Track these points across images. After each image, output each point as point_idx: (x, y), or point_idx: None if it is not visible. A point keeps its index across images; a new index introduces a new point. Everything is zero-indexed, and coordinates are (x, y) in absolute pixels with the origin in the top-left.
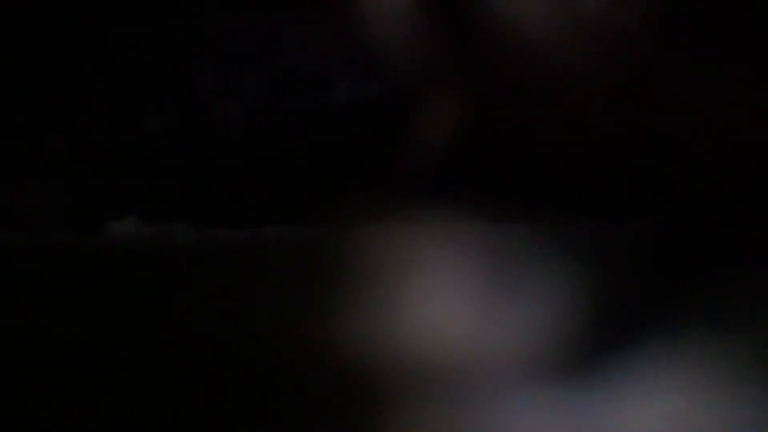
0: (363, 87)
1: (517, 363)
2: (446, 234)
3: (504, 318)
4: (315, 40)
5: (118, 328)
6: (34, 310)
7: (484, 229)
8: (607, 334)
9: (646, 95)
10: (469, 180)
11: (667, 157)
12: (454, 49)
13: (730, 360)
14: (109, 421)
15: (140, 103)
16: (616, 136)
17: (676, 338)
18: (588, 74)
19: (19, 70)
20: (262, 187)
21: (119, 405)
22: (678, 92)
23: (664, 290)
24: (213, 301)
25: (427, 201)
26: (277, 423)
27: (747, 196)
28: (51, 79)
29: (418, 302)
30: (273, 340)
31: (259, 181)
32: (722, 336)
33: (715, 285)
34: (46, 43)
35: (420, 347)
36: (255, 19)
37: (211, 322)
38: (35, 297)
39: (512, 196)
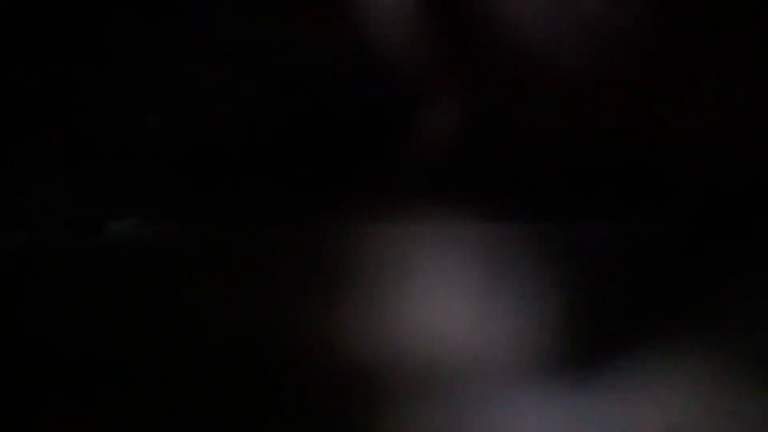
0: (363, 87)
1: (517, 363)
2: (446, 234)
3: (503, 318)
4: (316, 41)
5: (119, 328)
6: (34, 310)
7: (484, 229)
8: (607, 334)
9: (646, 95)
10: (469, 180)
11: (667, 157)
12: (455, 49)
13: (731, 359)
14: (109, 421)
15: (140, 102)
16: (616, 135)
17: (676, 338)
18: (588, 74)
19: (18, 70)
20: (262, 186)
21: (119, 405)
22: (678, 92)
23: (664, 289)
24: (213, 301)
25: (427, 201)
26: (277, 423)
27: (747, 195)
28: (51, 79)
29: (417, 302)
30: (273, 339)
31: (259, 181)
32: (722, 335)
33: (715, 284)
34: (46, 43)
35: (420, 347)
36: (255, 19)
37: (211, 322)
38: (35, 297)
39: (512, 196)
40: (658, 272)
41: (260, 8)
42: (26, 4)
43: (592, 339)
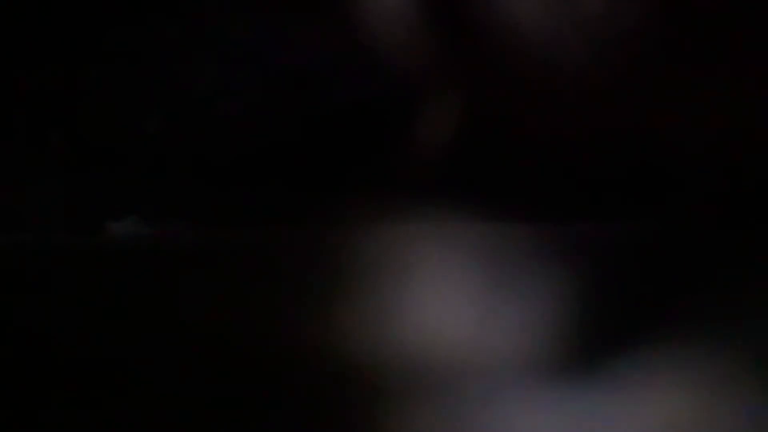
0: (363, 87)
1: (516, 363)
2: (446, 234)
3: (503, 318)
4: (315, 40)
5: (119, 328)
6: (34, 310)
7: (484, 229)
8: (606, 334)
9: (645, 95)
10: (469, 180)
11: (666, 158)
12: (454, 48)
13: (730, 360)
14: (109, 421)
15: (140, 102)
16: (615, 136)
17: (675, 338)
18: (588, 74)
19: (19, 71)
20: (262, 186)
21: (119, 405)
22: (677, 92)
23: (663, 290)
24: (213, 301)
25: (427, 201)
26: (277, 423)
27: (746, 195)
28: (51, 80)
29: (417, 302)
30: (273, 339)
31: (259, 181)
32: (721, 335)
33: (714, 284)
34: (46, 44)
35: (419, 347)
36: (255, 19)
37: (211, 321)
38: (35, 297)
39: (512, 196)
40: (658, 272)
41: (260, 8)
42: (26, 4)
43: (593, 339)
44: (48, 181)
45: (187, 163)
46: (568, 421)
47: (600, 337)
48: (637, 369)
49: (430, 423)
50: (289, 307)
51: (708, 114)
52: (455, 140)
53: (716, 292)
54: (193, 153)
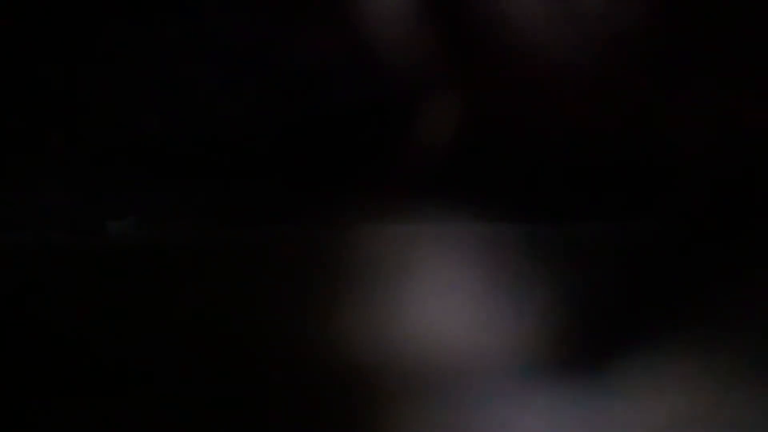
0: (363, 87)
1: (516, 363)
2: (446, 234)
3: (502, 318)
4: (315, 40)
5: (119, 328)
6: (34, 310)
7: (484, 229)
8: (606, 334)
9: (645, 96)
10: (469, 180)
11: (666, 157)
12: (454, 49)
13: (730, 360)
14: (109, 420)
15: (140, 103)
16: (615, 136)
17: (675, 337)
18: (588, 75)
19: (18, 71)
20: (262, 186)
21: (120, 404)
22: (676, 92)
23: (663, 290)
24: (213, 301)
25: (427, 201)
26: (277, 423)
27: (744, 195)
28: (50, 80)
29: (416, 302)
30: (273, 339)
31: (259, 181)
32: (721, 335)
33: (713, 284)
34: (46, 44)
35: (419, 347)
36: (255, 19)
37: (211, 321)
38: (36, 297)
39: (512, 196)
40: (657, 272)
41: (260, 8)
42: (26, 4)
43: (592, 339)
44: (48, 181)
45: (187, 163)
46: (569, 421)
47: (599, 336)
48: (637, 368)
49: (430, 423)
50: (289, 306)
51: (708, 114)
52: (455, 140)
53: (716, 292)
54: (193, 153)
